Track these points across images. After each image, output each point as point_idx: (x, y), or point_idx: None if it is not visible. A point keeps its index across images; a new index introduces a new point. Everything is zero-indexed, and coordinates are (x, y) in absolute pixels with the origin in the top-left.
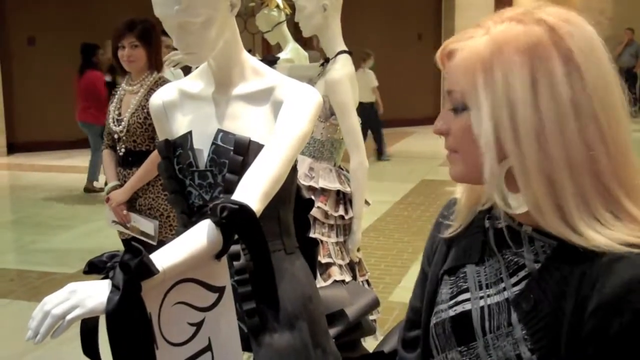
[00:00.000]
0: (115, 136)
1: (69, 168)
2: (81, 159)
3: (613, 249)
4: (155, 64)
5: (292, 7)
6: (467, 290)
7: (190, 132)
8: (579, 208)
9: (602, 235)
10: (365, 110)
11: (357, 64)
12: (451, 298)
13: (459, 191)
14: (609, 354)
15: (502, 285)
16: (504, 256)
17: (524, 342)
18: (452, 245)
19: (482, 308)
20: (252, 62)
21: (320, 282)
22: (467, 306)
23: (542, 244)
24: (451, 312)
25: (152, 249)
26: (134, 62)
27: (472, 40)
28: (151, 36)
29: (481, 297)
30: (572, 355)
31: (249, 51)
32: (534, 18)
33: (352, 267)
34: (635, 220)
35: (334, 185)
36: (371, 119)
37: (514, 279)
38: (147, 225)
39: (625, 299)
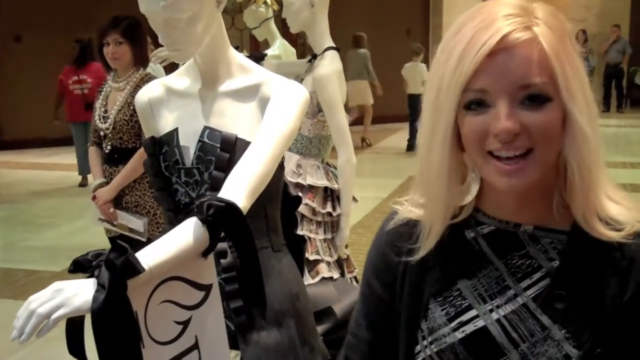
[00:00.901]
0: (102, 133)
1: (55, 165)
2: (67, 156)
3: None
4: (141, 60)
5: (280, 3)
6: (470, 307)
7: (176, 129)
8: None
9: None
10: (414, 102)
11: (409, 58)
12: (451, 319)
13: (423, 212)
14: None
15: (511, 292)
16: (509, 262)
17: (567, 342)
18: (427, 266)
19: (498, 320)
20: (238, 58)
21: (308, 279)
22: (479, 323)
23: (550, 240)
24: (459, 334)
25: (139, 246)
26: (119, 59)
27: (536, 29)
28: (136, 33)
29: (490, 310)
30: (620, 342)
31: (237, 48)
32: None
33: (340, 264)
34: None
35: (321, 182)
36: (417, 111)
37: (525, 283)
38: (136, 222)
39: None
